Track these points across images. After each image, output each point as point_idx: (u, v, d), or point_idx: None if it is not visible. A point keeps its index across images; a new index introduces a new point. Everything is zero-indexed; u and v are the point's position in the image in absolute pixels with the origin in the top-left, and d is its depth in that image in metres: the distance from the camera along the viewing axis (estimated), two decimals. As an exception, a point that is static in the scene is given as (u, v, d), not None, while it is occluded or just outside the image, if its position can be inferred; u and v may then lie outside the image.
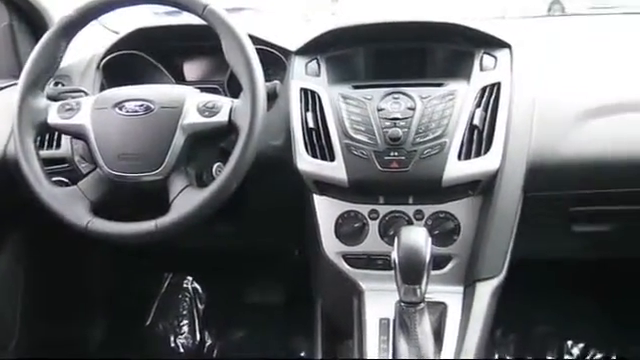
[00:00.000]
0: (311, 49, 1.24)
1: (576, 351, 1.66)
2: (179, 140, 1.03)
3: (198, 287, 1.90)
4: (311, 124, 1.14)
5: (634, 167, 1.13)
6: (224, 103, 1.05)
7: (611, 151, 1.13)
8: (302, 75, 1.21)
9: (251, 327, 1.80)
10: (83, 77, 1.32)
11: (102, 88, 1.30)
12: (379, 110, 1.12)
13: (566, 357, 1.66)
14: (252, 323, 1.80)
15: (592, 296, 1.66)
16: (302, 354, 1.70)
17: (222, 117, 1.04)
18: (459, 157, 1.08)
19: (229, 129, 1.04)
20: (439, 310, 1.07)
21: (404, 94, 1.13)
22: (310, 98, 1.17)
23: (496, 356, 1.66)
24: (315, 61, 1.22)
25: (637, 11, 1.65)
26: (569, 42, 1.34)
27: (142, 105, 1.05)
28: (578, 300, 1.66)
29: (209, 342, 1.81)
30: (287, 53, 1.26)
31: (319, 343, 1.30)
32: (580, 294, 1.65)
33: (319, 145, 1.13)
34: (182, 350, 1.81)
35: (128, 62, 1.32)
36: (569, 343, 1.67)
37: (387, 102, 1.13)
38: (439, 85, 1.15)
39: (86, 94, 1.20)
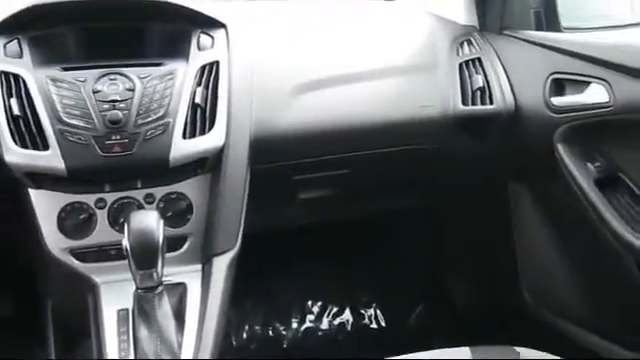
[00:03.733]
0: (10, 28, 1.11)
1: (316, 309, 1.81)
2: None
3: None
4: (16, 111, 1.03)
5: (342, 135, 1.26)
6: None
7: (322, 121, 1.24)
8: (1, 57, 1.08)
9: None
10: None
11: None
12: (95, 92, 1.06)
13: (308, 316, 1.81)
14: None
15: (325, 257, 1.81)
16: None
17: None
18: (184, 136, 1.08)
19: None
20: (179, 291, 1.06)
21: (121, 74, 1.09)
22: (13, 82, 1.06)
23: (246, 327, 1.73)
24: (16, 41, 1.10)
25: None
26: (288, 24, 1.42)
27: None
28: (313, 262, 1.80)
29: None
30: None
31: (52, 350, 1.21)
32: (314, 257, 1.79)
33: (29, 133, 1.03)
34: None
35: None
36: (309, 303, 1.82)
37: (103, 84, 1.07)
38: (158, 65, 1.13)
39: None
